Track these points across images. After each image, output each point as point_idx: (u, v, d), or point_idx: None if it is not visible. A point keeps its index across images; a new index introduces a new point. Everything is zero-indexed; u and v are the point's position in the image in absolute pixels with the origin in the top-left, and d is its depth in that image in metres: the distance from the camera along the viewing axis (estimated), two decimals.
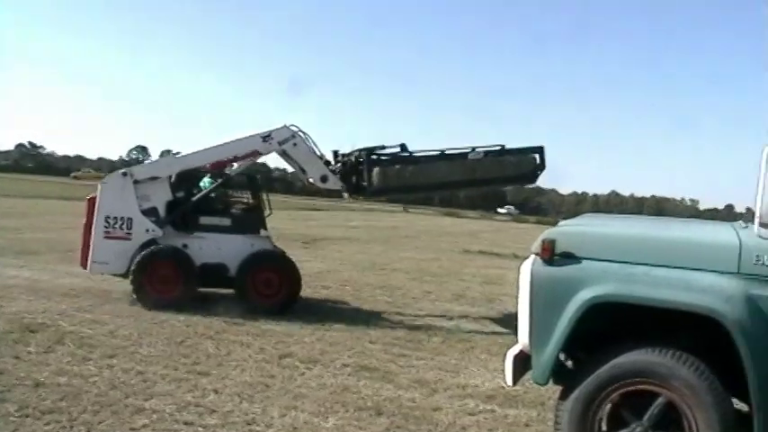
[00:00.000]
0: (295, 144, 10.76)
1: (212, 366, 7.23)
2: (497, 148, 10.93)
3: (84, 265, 10.58)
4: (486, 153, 10.82)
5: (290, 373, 7.22)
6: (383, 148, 11.00)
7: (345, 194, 11.63)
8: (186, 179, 11.05)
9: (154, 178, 10.54)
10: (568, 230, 4.83)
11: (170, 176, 10.76)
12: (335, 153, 11.43)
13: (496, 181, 11.31)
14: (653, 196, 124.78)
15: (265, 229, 11.08)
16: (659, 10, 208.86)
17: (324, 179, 10.95)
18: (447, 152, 10.95)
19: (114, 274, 10.63)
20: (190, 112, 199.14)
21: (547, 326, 4.43)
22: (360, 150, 11.00)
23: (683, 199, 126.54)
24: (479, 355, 8.72)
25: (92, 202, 10.45)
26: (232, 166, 11.25)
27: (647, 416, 4.22)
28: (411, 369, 7.74)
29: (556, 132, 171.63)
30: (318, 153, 11.05)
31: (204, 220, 10.79)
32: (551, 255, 4.49)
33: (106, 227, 10.20)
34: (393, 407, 6.32)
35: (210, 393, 6.32)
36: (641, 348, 4.31)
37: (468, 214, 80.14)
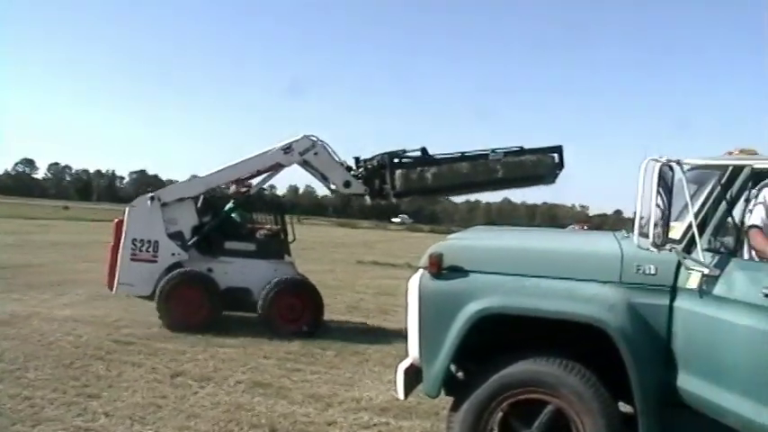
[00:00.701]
0: (316, 153, 11.06)
1: (103, 388, 7.15)
2: (516, 148, 11.14)
3: (110, 286, 10.81)
4: (506, 153, 11.02)
5: (183, 392, 7.21)
6: (405, 152, 11.27)
7: (368, 198, 11.75)
8: (212, 204, 11.43)
9: (181, 200, 10.86)
10: (455, 244, 5.05)
11: (197, 200, 11.07)
12: (357, 159, 11.65)
13: (517, 181, 11.29)
14: (544, 203, 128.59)
15: (289, 254, 11.52)
16: None
17: (347, 184, 11.28)
18: (467, 154, 11.20)
19: (139, 296, 10.88)
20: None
21: (436, 339, 4.62)
22: (382, 155, 11.25)
23: (573, 205, 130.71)
24: (373, 367, 8.88)
25: (119, 224, 10.72)
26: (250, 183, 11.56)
27: (536, 424, 4.44)
28: (305, 384, 7.83)
29: None
30: (339, 160, 11.27)
31: (229, 244, 11.14)
32: (439, 269, 4.68)
33: (133, 249, 10.55)
34: (287, 423, 6.40)
35: (101, 417, 6.26)
36: (530, 358, 4.54)
37: (362, 224, 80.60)
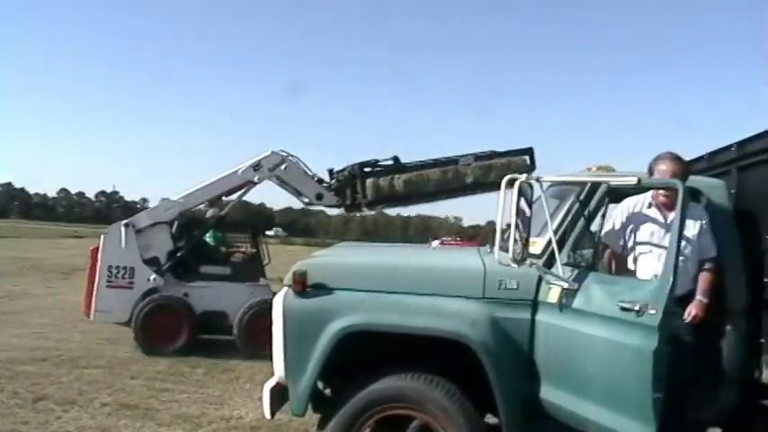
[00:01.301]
0: (286, 168, 10.98)
1: None
2: (487, 152, 11.20)
3: (87, 314, 10.82)
4: (477, 158, 11.07)
5: (46, 417, 6.97)
6: (376, 161, 11.32)
7: (343, 209, 11.67)
8: (187, 229, 11.43)
9: (155, 225, 10.93)
10: (320, 262, 5.09)
11: (171, 225, 11.08)
12: (331, 171, 11.58)
13: (488, 185, 11.12)
14: (418, 215, 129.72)
15: (264, 277, 11.78)
16: None
17: (319, 197, 11.33)
18: (438, 160, 11.26)
19: (117, 323, 10.86)
20: None
21: (301, 357, 4.64)
22: (353, 165, 11.23)
23: (447, 217, 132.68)
24: (244, 384, 8.83)
25: (95, 251, 10.75)
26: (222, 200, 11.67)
27: None
28: (173, 404, 7.71)
29: None
30: (310, 173, 11.17)
31: (204, 268, 11.36)
32: (303, 287, 4.70)
33: (109, 276, 10.63)
34: None
35: None
36: (396, 374, 4.61)
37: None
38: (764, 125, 4.92)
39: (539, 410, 4.53)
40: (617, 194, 4.71)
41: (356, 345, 4.63)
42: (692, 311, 4.44)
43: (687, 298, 4.51)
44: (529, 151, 11.37)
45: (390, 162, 11.42)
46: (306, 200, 11.52)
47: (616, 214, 4.78)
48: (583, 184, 4.69)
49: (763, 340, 4.52)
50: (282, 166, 11.12)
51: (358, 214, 11.90)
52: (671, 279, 3.94)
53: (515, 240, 4.29)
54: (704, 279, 4.57)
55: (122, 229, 10.81)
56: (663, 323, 3.89)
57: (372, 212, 12.59)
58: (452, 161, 11.25)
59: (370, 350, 4.74)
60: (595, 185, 4.62)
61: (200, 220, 11.95)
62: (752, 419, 4.63)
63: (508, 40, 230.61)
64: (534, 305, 4.58)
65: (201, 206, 11.69)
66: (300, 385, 4.66)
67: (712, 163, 5.47)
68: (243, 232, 12.94)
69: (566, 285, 4.38)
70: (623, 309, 4.04)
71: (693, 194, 4.66)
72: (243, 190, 11.45)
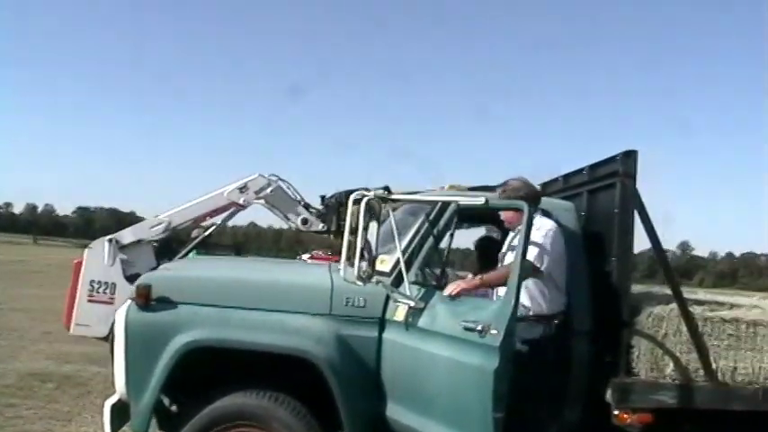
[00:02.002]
0: (272, 191, 10.49)
1: None
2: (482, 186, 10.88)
3: (67, 327, 9.80)
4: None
5: None
6: (367, 190, 10.77)
7: (331, 236, 11.26)
8: (171, 247, 10.63)
9: (139, 242, 9.99)
10: (165, 275, 5.02)
11: (155, 243, 10.18)
12: (323, 197, 11.12)
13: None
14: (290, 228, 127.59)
15: None
16: None
17: (305, 222, 10.86)
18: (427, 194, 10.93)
19: (96, 337, 9.90)
20: None
21: (143, 373, 4.54)
22: (341, 192, 10.76)
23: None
24: (95, 400, 8.48)
25: (78, 265, 9.80)
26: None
27: None
28: (18, 421, 7.39)
29: None
30: (298, 197, 10.78)
31: None
32: (147, 300, 4.61)
33: (90, 290, 9.62)
34: None
35: None
36: (241, 391, 4.57)
37: None
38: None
39: (385, 429, 4.57)
40: (466, 214, 4.81)
41: (204, 360, 4.57)
42: (458, 284, 4.49)
43: (537, 318, 4.64)
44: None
45: (380, 190, 11.43)
46: (293, 225, 11.48)
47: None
48: (433, 202, 4.78)
49: (607, 360, 4.70)
50: (268, 190, 11.03)
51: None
52: (513, 299, 4.05)
53: (361, 258, 4.33)
54: (500, 270, 4.60)
55: (106, 244, 10.57)
56: (504, 343, 3.97)
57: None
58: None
59: (219, 366, 4.69)
60: (445, 204, 4.72)
61: (183, 240, 11.76)
62: None
63: (509, 41, 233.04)
64: (381, 323, 4.63)
65: (188, 224, 11.50)
66: (142, 402, 4.55)
67: (567, 185, 5.69)
68: (227, 253, 12.76)
69: (412, 304, 4.43)
70: (466, 329, 4.11)
71: (544, 215, 4.83)
72: (230, 211, 11.30)
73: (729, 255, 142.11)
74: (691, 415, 4.71)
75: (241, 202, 11.11)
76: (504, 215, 4.88)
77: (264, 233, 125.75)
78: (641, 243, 4.88)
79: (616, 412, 4.59)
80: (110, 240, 10.68)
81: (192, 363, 4.55)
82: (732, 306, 5.13)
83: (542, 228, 4.66)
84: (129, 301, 4.71)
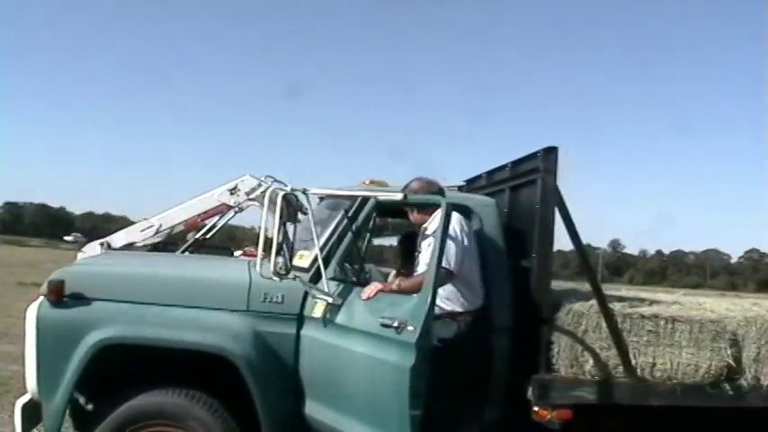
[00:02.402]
0: (263, 193, 10.30)
1: None
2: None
3: None
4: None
5: None
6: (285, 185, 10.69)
7: None
8: (164, 250, 10.63)
9: (131, 244, 10.34)
10: (79, 270, 4.92)
11: (150, 245, 10.57)
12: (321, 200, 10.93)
13: None
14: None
15: None
16: None
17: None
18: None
19: None
20: None
21: (55, 371, 4.46)
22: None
23: (252, 227, 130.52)
24: (14, 399, 8.40)
25: None
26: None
27: None
28: None
29: None
30: None
31: None
32: (59, 296, 4.53)
33: None
34: None
35: None
36: (158, 389, 4.51)
37: (31, 242, 76.60)
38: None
39: (303, 427, 4.56)
40: (385, 209, 4.81)
41: (121, 358, 4.50)
42: (373, 286, 4.48)
43: (453, 315, 4.65)
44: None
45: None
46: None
47: None
48: (352, 197, 4.77)
49: (528, 356, 4.73)
50: (259, 190, 10.94)
51: None
52: (429, 295, 4.04)
53: (277, 253, 4.31)
54: (417, 278, 4.49)
55: (98, 247, 10.35)
56: (421, 340, 3.97)
57: None
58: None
59: (136, 363, 4.61)
60: (364, 200, 4.71)
61: (176, 242, 11.55)
62: None
63: (510, 42, 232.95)
64: (300, 320, 4.61)
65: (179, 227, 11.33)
66: (54, 401, 4.47)
67: (490, 181, 5.71)
68: (224, 254, 12.62)
69: (330, 300, 4.43)
70: (383, 325, 4.11)
71: (465, 211, 4.85)
72: (222, 213, 11.17)
73: (659, 253, 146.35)
74: (610, 411, 4.76)
75: (232, 203, 11.10)
76: (411, 216, 4.87)
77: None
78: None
79: (536, 409, 4.62)
80: (101, 244, 10.65)
81: (108, 361, 4.47)
82: (652, 302, 5.20)
83: (449, 226, 4.67)
84: (41, 297, 4.61)
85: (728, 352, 4.79)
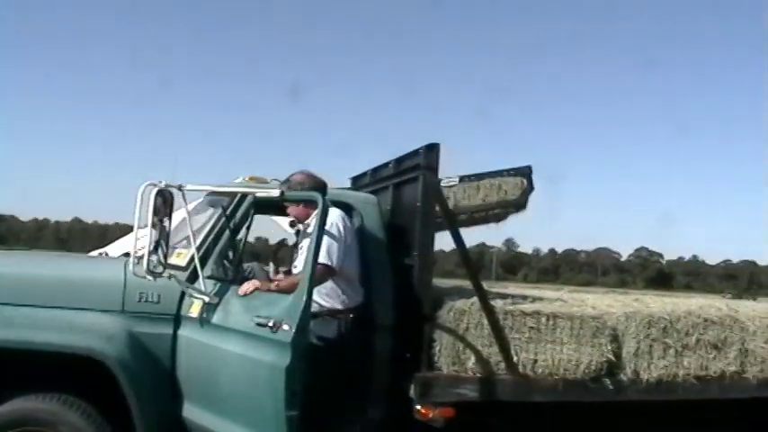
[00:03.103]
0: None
1: None
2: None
3: None
4: (461, 179, 7.83)
5: None
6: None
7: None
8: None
9: (127, 254, 9.37)
10: None
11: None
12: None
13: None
14: (116, 223, 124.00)
15: None
16: None
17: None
18: None
19: None
20: None
21: None
22: None
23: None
24: None
25: None
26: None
27: None
28: None
29: None
30: None
31: None
32: None
33: None
34: None
35: None
36: (28, 394, 4.39)
37: None
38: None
39: (180, 430, 4.52)
40: (264, 206, 4.80)
41: None
42: (247, 285, 4.50)
43: (332, 313, 4.65)
44: (526, 170, 8.39)
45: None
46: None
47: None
48: (230, 194, 4.74)
49: (408, 355, 4.77)
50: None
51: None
52: (305, 294, 4.05)
53: (151, 252, 4.25)
54: (294, 278, 4.54)
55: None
56: (296, 339, 3.98)
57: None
58: None
59: (6, 367, 4.44)
60: (242, 197, 4.69)
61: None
62: None
63: (510, 42, 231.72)
64: (177, 320, 4.57)
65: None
66: None
67: (374, 178, 5.74)
68: None
69: (206, 299, 4.40)
70: (259, 324, 4.10)
71: (346, 208, 4.87)
72: None
73: (552, 251, 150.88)
74: (493, 408, 4.84)
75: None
76: (291, 212, 4.88)
77: (90, 228, 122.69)
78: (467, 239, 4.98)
79: (419, 407, 4.65)
80: (100, 254, 10.37)
81: None
82: (535, 300, 5.30)
83: (328, 222, 4.69)
84: None
85: (609, 347, 4.91)
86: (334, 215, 4.61)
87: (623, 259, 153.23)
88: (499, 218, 6.97)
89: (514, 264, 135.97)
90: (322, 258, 4.40)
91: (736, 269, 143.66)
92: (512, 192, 7.02)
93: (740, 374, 5.29)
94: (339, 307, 4.65)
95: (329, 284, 4.62)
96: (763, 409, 5.50)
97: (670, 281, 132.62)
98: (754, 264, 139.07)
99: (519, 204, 6.87)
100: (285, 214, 5.05)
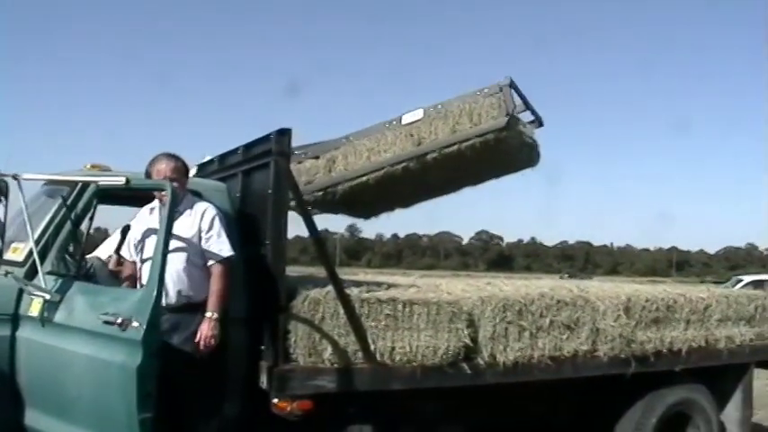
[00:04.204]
0: None
1: None
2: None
3: None
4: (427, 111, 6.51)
5: None
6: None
7: None
8: None
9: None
10: None
11: None
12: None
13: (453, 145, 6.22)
14: None
15: None
16: None
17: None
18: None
19: None
20: None
21: None
22: None
23: None
24: None
25: None
26: None
27: None
28: None
29: None
30: None
31: None
32: None
33: None
34: None
35: None
36: None
37: None
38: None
39: None
40: (108, 196, 4.69)
41: None
42: (202, 334, 4.45)
43: (196, 306, 4.59)
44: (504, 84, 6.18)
45: None
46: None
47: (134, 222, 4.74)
48: (71, 183, 4.60)
49: (263, 347, 4.76)
50: None
51: None
52: (155, 288, 4.01)
53: None
54: (213, 289, 4.58)
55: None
56: (147, 336, 3.94)
57: None
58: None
59: None
60: (84, 186, 4.56)
61: None
62: (258, 429, 4.87)
63: (505, 41, 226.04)
64: (15, 320, 4.43)
65: None
66: None
67: (222, 165, 5.67)
68: None
69: (47, 297, 4.27)
70: (106, 322, 4.03)
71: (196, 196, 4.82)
72: None
73: (395, 236, 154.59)
74: (352, 398, 4.89)
75: None
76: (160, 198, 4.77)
77: None
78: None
79: (275, 401, 4.63)
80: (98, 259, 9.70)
81: None
82: (390, 286, 5.38)
83: (208, 211, 4.67)
84: None
85: (465, 332, 5.04)
86: (210, 206, 4.69)
87: (465, 243, 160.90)
88: (489, 153, 6.02)
89: (358, 249, 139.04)
90: (229, 251, 4.57)
91: (572, 250, 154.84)
92: (487, 115, 6.01)
93: (592, 353, 5.57)
94: (203, 297, 4.60)
95: (196, 274, 4.60)
96: (612, 385, 5.87)
97: (510, 262, 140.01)
98: (589, 244, 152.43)
99: (500, 128, 5.84)
100: (133, 204, 4.95)
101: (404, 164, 6.20)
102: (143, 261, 4.65)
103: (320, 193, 6.55)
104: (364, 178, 6.35)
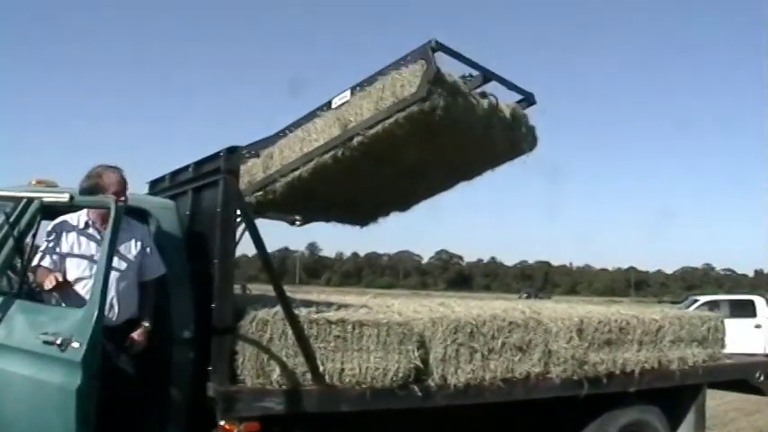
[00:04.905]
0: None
1: None
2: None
3: None
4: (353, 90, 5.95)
5: None
6: None
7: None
8: None
9: None
10: None
11: None
12: None
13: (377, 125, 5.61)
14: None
15: None
16: None
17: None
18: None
19: None
20: None
21: None
22: None
23: None
24: None
25: None
26: None
27: None
28: None
29: None
30: None
31: None
32: None
33: None
34: None
35: None
36: None
37: None
38: None
39: None
40: (52, 212, 4.65)
41: None
42: (133, 338, 4.54)
43: (138, 324, 4.63)
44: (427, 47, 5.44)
45: None
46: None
47: (54, 236, 4.68)
48: (15, 199, 4.55)
49: (210, 368, 4.73)
50: None
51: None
52: (97, 307, 3.99)
53: None
54: (147, 301, 4.69)
55: None
56: (87, 357, 3.91)
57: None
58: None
59: None
60: (28, 202, 4.51)
61: None
62: None
63: (505, 40, 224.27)
64: None
65: None
66: None
67: (173, 182, 5.64)
68: None
69: None
70: (46, 342, 3.99)
71: (140, 214, 4.81)
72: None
73: (355, 254, 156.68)
74: (300, 420, 4.86)
75: None
76: (92, 214, 4.73)
77: None
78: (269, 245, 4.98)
79: (222, 423, 4.59)
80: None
81: None
82: (340, 307, 5.35)
83: (143, 229, 4.68)
84: None
85: (416, 354, 5.05)
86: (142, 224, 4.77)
87: (425, 262, 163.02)
88: (440, 133, 5.44)
89: (317, 268, 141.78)
90: (164, 267, 4.70)
91: (531, 269, 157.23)
92: (410, 84, 5.36)
93: (544, 375, 5.63)
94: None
95: (136, 292, 4.66)
96: (565, 406, 5.92)
97: (470, 282, 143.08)
98: (548, 264, 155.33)
99: (421, 98, 5.17)
100: None
101: (332, 152, 5.68)
102: (79, 279, 4.58)
103: (261, 194, 6.19)
104: (297, 172, 5.90)
